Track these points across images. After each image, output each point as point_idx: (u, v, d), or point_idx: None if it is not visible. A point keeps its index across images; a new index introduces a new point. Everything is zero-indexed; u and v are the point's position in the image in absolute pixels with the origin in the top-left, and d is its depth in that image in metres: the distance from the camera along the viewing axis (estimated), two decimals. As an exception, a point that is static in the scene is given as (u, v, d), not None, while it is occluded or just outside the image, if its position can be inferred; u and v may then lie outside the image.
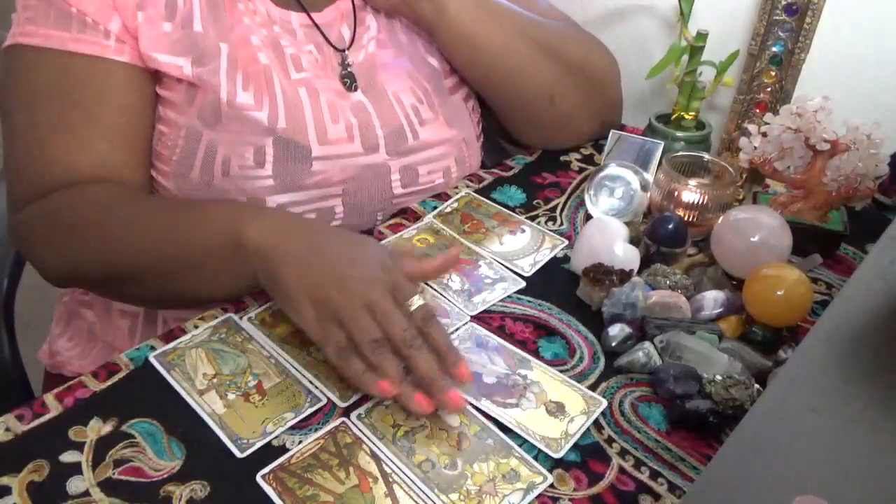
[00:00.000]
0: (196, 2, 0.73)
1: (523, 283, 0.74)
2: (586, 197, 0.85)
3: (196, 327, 0.66)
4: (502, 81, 0.87)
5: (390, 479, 0.54)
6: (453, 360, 0.59)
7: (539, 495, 0.54)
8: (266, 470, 0.54)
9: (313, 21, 0.79)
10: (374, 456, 0.56)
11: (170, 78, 0.72)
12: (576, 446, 0.57)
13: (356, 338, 0.58)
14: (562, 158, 0.97)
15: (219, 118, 0.72)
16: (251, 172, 0.73)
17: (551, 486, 0.54)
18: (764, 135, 0.80)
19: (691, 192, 0.79)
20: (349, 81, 0.80)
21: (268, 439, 0.56)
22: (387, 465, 0.55)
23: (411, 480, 0.54)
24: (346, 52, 0.81)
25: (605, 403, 0.61)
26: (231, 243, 0.63)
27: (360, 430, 0.58)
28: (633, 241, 0.77)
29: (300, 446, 0.56)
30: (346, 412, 0.59)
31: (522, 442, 0.58)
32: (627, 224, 0.78)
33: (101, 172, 0.72)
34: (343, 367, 0.59)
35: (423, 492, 0.53)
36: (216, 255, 0.64)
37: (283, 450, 0.56)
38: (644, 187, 0.83)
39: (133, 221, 0.69)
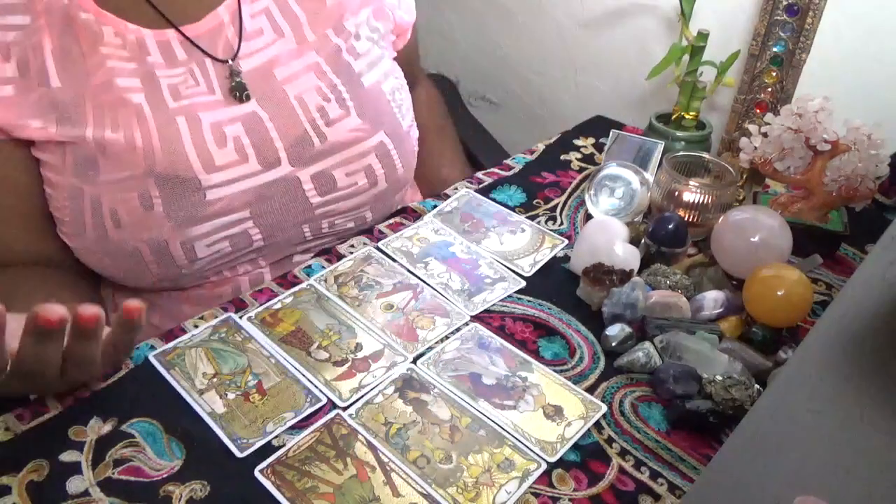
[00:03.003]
0: (48, 57, 0.67)
1: (523, 283, 0.74)
2: (586, 197, 0.85)
3: (196, 327, 0.66)
4: None
5: (388, 468, 0.54)
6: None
7: (535, 482, 0.54)
8: (264, 464, 0.54)
9: (186, 37, 0.72)
10: (370, 446, 0.56)
11: (40, 140, 0.68)
12: (576, 446, 0.57)
13: None
14: (562, 158, 0.97)
15: (96, 170, 0.68)
16: (143, 217, 0.69)
17: (551, 486, 0.54)
18: (764, 135, 0.80)
19: (692, 192, 0.79)
20: (239, 93, 0.73)
21: (268, 439, 0.56)
22: (383, 454, 0.55)
23: (408, 475, 0.54)
24: (231, 62, 0.74)
25: (604, 408, 0.61)
26: None
27: (354, 422, 0.58)
28: (633, 241, 0.77)
29: (297, 440, 0.56)
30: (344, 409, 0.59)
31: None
32: (627, 224, 0.78)
33: None
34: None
35: (420, 484, 0.53)
36: None
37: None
38: (644, 187, 0.83)
39: None
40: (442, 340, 0.66)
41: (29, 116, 0.67)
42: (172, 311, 0.79)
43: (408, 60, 0.95)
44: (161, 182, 0.68)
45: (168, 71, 0.71)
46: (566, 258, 0.78)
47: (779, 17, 0.94)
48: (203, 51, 0.73)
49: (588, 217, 0.84)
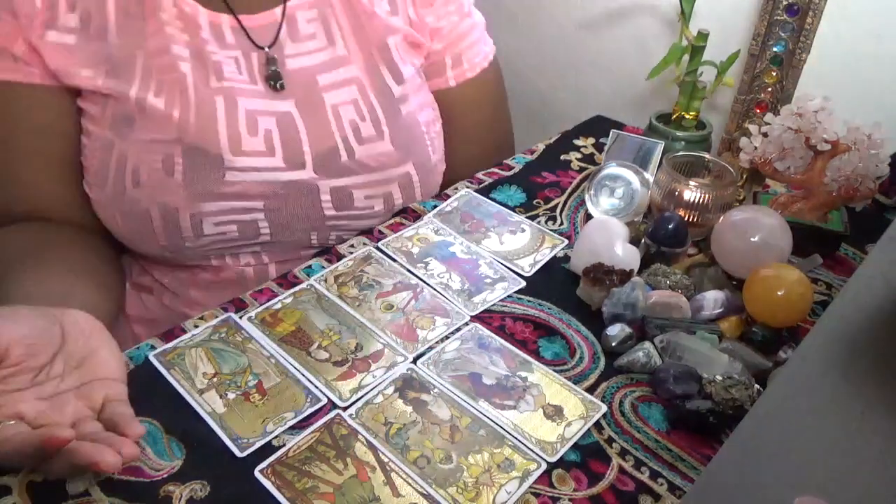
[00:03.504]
0: (111, 13, 0.71)
1: (523, 283, 0.74)
2: (586, 197, 0.85)
3: (196, 327, 0.66)
4: None
5: (388, 468, 0.54)
6: None
7: (535, 482, 0.54)
8: (264, 464, 0.54)
9: (240, 23, 0.76)
10: (370, 446, 0.56)
11: (87, 90, 0.72)
12: (576, 446, 0.57)
13: None
14: (562, 158, 0.97)
15: (131, 126, 0.71)
16: (162, 181, 0.71)
17: (551, 486, 0.54)
18: (765, 135, 0.80)
19: (692, 192, 0.79)
20: (274, 81, 0.75)
21: (268, 439, 0.56)
22: (383, 454, 0.55)
23: (408, 475, 0.54)
24: (268, 49, 0.76)
25: (604, 408, 0.61)
26: None
27: (354, 422, 0.58)
28: (633, 241, 0.77)
29: (297, 440, 0.56)
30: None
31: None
32: (627, 224, 0.78)
33: (25, 196, 0.74)
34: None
35: (420, 484, 0.53)
36: None
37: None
38: (644, 187, 0.83)
39: None
40: (442, 340, 0.66)
41: (82, 65, 0.70)
42: (181, 293, 0.81)
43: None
44: (187, 151, 0.71)
45: (215, 49, 0.74)
46: (566, 258, 0.78)
47: (779, 17, 0.94)
48: (251, 40, 0.76)
49: (588, 217, 0.84)
